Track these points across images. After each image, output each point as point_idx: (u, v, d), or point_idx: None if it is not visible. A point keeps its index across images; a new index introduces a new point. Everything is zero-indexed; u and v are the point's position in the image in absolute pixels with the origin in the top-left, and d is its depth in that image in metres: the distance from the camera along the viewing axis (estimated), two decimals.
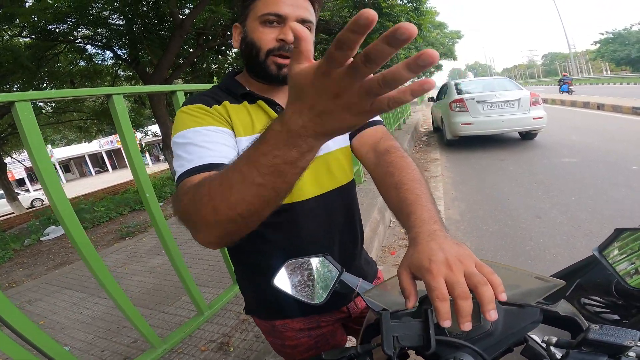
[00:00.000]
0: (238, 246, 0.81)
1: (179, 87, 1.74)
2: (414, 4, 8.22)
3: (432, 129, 10.31)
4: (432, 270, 0.43)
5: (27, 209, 13.45)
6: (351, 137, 0.83)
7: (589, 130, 7.27)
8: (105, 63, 9.53)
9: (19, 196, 13.18)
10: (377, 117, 0.82)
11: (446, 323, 0.41)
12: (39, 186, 29.78)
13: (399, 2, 8.19)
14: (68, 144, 31.60)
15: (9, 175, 13.97)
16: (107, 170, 34.98)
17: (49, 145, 26.63)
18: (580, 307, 1.61)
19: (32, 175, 31.56)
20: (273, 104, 0.75)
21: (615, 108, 10.06)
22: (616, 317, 1.63)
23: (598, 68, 51.43)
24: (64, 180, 31.46)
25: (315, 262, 0.66)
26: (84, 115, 11.62)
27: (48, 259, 4.59)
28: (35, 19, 6.31)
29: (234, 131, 0.70)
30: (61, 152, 30.65)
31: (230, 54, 9.52)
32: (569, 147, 5.80)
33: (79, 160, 34.46)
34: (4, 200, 13.10)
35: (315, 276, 0.65)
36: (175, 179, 0.61)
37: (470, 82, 7.83)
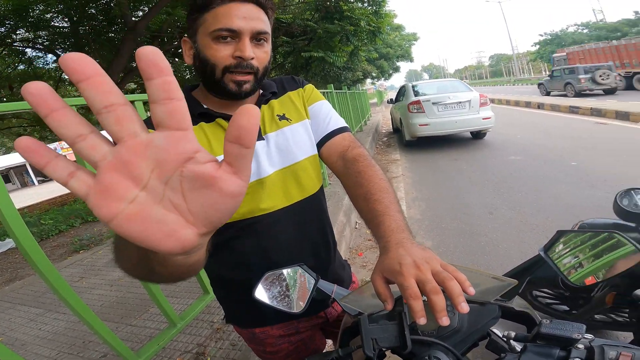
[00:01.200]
0: (210, 260, 0.83)
1: (137, 97, 1.66)
2: (374, 7, 8.45)
3: (392, 130, 10.67)
4: (403, 273, 0.48)
5: None
6: (319, 146, 0.84)
7: (531, 129, 7.92)
8: (47, 67, 8.82)
9: None
10: (344, 124, 0.86)
11: (422, 320, 0.44)
12: None
13: (359, 5, 8.37)
14: (7, 152, 28.77)
15: None
16: (51, 180, 32.27)
17: None
18: (533, 299, 1.75)
19: None
20: None
21: (553, 107, 11.04)
22: (565, 307, 1.78)
23: (538, 68, 55.64)
24: None
25: (291, 272, 0.69)
26: (23, 122, 10.67)
27: None
28: None
29: None
30: (0, 161, 27.83)
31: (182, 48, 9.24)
32: (514, 145, 6.30)
33: (20, 169, 31.49)
34: None
35: (292, 286, 0.68)
36: None
37: (425, 85, 8.21)
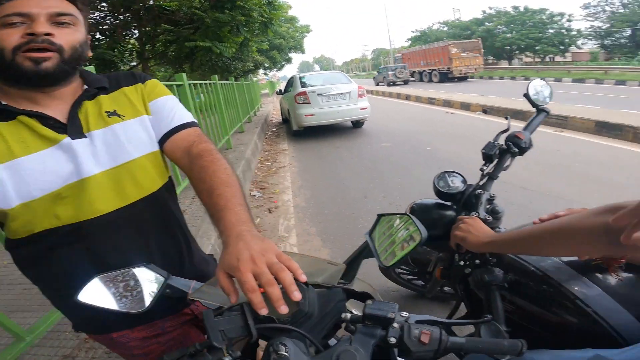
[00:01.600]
0: (29, 265, 0.75)
1: None
2: None
3: (281, 121, 10.82)
4: (240, 268, 0.50)
5: None
6: (162, 142, 0.81)
7: (400, 118, 9.08)
8: None
9: None
10: (190, 119, 0.84)
11: (263, 311, 0.47)
12: None
13: None
14: None
15: None
16: None
17: None
18: (396, 275, 1.99)
19: None
20: (42, 118, 0.66)
21: (417, 98, 12.81)
22: (420, 282, 2.04)
23: None
24: None
25: (135, 272, 0.66)
26: None
27: None
28: None
29: None
30: None
31: None
32: (386, 133, 7.12)
33: None
34: None
35: (134, 286, 0.65)
36: None
37: (312, 76, 8.55)
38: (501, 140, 1.14)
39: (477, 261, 0.91)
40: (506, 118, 1.23)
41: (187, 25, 7.51)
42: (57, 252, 0.71)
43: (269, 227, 3.37)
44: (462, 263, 0.96)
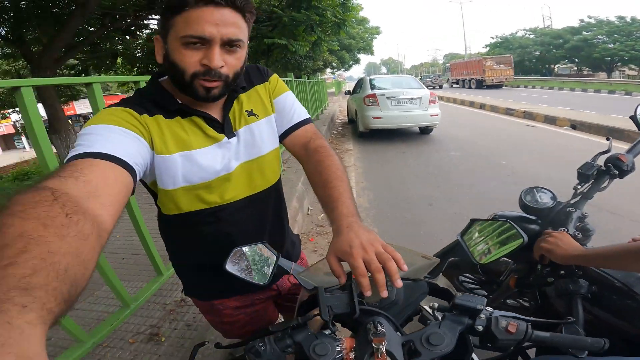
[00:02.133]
0: (172, 235, 0.90)
1: (96, 79, 1.65)
2: (342, 0, 8.46)
3: (347, 120, 10.94)
4: (353, 254, 0.57)
5: None
6: (283, 137, 0.90)
7: (472, 127, 8.63)
8: None
9: None
10: (306, 116, 0.92)
11: (368, 293, 0.55)
12: None
13: None
14: None
15: None
16: None
17: None
18: (459, 283, 2.01)
19: None
20: (209, 120, 0.76)
21: (493, 108, 12.01)
22: (484, 292, 2.03)
23: None
24: None
25: (255, 249, 0.78)
26: None
27: None
28: None
29: (153, 148, 0.70)
30: None
31: (141, 34, 8.60)
32: (455, 142, 6.85)
33: None
34: None
35: (257, 261, 0.77)
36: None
37: (382, 79, 8.53)
38: (600, 161, 1.12)
39: (562, 272, 0.95)
40: (607, 139, 1.20)
41: (265, 22, 7.95)
42: (197, 228, 0.83)
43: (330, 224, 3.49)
44: (544, 273, 1.01)
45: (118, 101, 0.72)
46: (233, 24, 0.66)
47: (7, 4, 6.03)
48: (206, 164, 0.76)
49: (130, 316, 1.85)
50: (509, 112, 10.79)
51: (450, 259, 1.50)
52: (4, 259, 0.32)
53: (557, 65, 39.06)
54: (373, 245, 0.59)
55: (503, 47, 41.61)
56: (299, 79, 7.43)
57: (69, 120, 7.92)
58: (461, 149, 6.28)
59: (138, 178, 0.63)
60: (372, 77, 8.52)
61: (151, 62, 8.20)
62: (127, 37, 8.41)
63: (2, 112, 11.00)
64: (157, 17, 7.79)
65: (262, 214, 0.90)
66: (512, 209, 1.92)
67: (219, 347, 0.68)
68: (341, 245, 0.61)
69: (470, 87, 28.87)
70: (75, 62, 8.41)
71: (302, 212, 3.51)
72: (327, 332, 0.58)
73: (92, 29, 7.15)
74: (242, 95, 0.83)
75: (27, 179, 7.26)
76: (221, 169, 0.78)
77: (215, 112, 0.78)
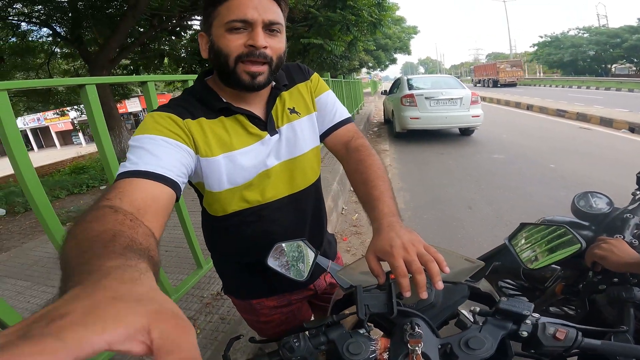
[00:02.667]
0: (216, 236, 0.91)
1: (150, 77, 1.73)
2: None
3: (383, 121, 10.77)
4: (394, 254, 0.56)
5: None
6: (324, 136, 0.90)
7: (518, 129, 8.15)
8: (41, 40, 8.59)
9: None
10: (347, 115, 0.92)
11: (407, 293, 0.53)
12: None
13: None
14: None
15: None
16: (32, 149, 31.37)
17: None
18: (498, 289, 1.93)
19: None
20: (252, 118, 0.77)
21: (542, 109, 11.30)
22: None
23: (533, 70, 55.85)
24: None
25: (295, 245, 0.78)
26: (11, 91, 10.36)
27: None
28: None
29: (198, 152, 0.71)
30: None
31: (185, 35, 9.05)
32: (499, 145, 6.51)
33: None
34: None
35: (296, 258, 0.77)
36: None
37: (420, 79, 8.32)
38: None
39: (615, 279, 0.92)
40: None
41: (302, 22, 8.03)
42: (239, 228, 0.84)
43: (366, 224, 3.44)
44: (595, 280, 0.97)
45: (167, 102, 0.75)
46: (271, 9, 0.68)
47: (65, 4, 6.57)
48: (248, 163, 0.76)
49: None
50: (560, 113, 10.08)
51: (495, 264, 1.46)
52: (102, 241, 0.38)
53: (614, 65, 36.09)
54: (415, 245, 0.57)
55: (553, 46, 39.11)
56: (335, 79, 7.44)
57: (122, 118, 8.47)
58: (505, 151, 5.95)
59: (182, 187, 0.66)
60: (409, 76, 8.32)
61: (194, 62, 8.58)
62: (173, 37, 8.86)
63: (61, 109, 11.98)
64: (199, 17, 8.18)
65: (302, 213, 0.89)
66: (561, 214, 1.80)
67: (254, 342, 0.68)
68: (381, 245, 0.59)
69: (488, 86, 33.62)
70: (127, 62, 8.99)
71: (336, 211, 3.50)
72: (361, 331, 0.57)
73: (142, 29, 7.62)
74: (285, 93, 0.83)
75: (82, 173, 7.89)
76: (261, 166, 0.78)
77: (258, 110, 0.79)
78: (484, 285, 0.69)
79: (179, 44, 9.19)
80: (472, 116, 6.82)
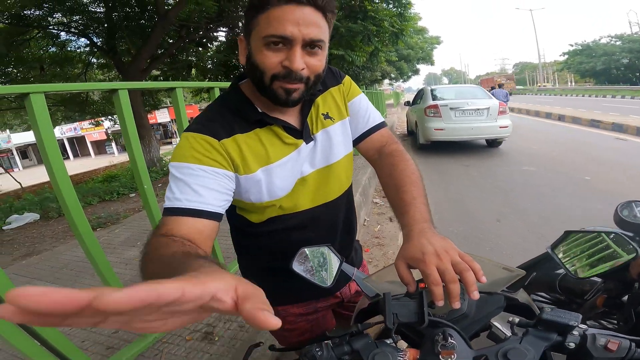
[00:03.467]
0: (246, 241, 0.90)
1: (178, 84, 1.78)
2: (399, 9, 8.39)
3: (406, 132, 10.64)
4: (426, 261, 0.53)
5: None
6: (357, 141, 0.88)
7: (549, 140, 7.82)
8: (79, 50, 9.15)
9: None
10: (381, 119, 0.89)
11: (440, 302, 0.51)
12: None
13: (384, 6, 8.34)
14: (27, 129, 29.79)
15: None
16: (68, 157, 33.22)
17: (7, 130, 24.94)
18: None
19: None
20: (289, 129, 0.75)
21: (574, 120, 10.83)
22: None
23: (564, 79, 54.00)
24: (20, 167, 29.58)
25: (320, 251, 0.76)
26: (50, 101, 11.03)
27: (13, 248, 4.40)
28: (11, 4, 5.96)
29: (238, 171, 0.70)
30: (20, 138, 28.69)
31: (211, 46, 9.38)
32: (529, 156, 6.25)
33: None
34: None
35: (321, 264, 0.75)
36: (163, 209, 0.65)
37: (444, 89, 8.18)
38: None
39: None
40: None
41: None
42: (271, 235, 0.82)
43: (389, 235, 3.37)
44: None
45: (201, 115, 0.74)
46: (314, 24, 0.63)
47: (101, 15, 6.96)
48: (286, 174, 0.75)
49: None
50: (594, 123, 9.61)
51: (534, 274, 1.40)
52: (178, 257, 0.48)
53: None
54: (449, 253, 0.54)
55: (584, 54, 37.76)
56: None
57: (152, 128, 8.83)
58: (536, 163, 5.70)
59: (224, 210, 0.69)
60: (433, 87, 8.20)
61: (220, 73, 8.85)
62: (200, 48, 9.20)
63: (96, 119, 12.60)
64: (225, 29, 8.47)
65: (335, 220, 0.87)
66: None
67: (274, 350, 0.66)
68: (412, 251, 0.56)
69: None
70: (157, 73, 9.39)
71: (358, 222, 3.43)
72: (388, 341, 0.54)
73: (170, 40, 7.97)
74: (318, 99, 0.81)
75: (113, 181, 8.25)
76: (297, 173, 0.77)
77: (293, 118, 0.77)
78: (521, 295, 0.65)
79: (206, 55, 9.52)
80: (500, 127, 6.60)
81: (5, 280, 1.06)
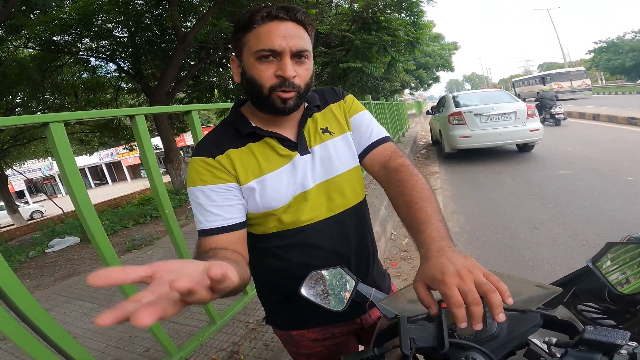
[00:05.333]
0: (257, 264, 0.87)
1: (194, 107, 1.84)
2: (412, 18, 8.36)
3: (430, 142, 10.44)
4: (446, 282, 0.49)
5: (27, 220, 13.47)
6: (361, 156, 0.85)
7: (585, 141, 7.40)
8: (108, 75, 9.70)
9: (19, 208, 13.22)
10: (385, 134, 0.87)
11: (463, 324, 0.47)
12: (38, 198, 29.69)
13: (397, 16, 8.34)
14: None
15: (9, 187, 14.11)
16: (107, 183, 35.01)
17: (50, 158, 26.69)
18: (577, 313, 1.69)
19: (32, 187, 31.47)
20: (282, 140, 0.77)
21: (610, 118, 10.24)
22: (612, 322, 1.71)
23: (593, 77, 51.59)
24: (63, 193, 31.39)
25: (333, 273, 0.73)
26: (86, 127, 11.75)
27: (54, 270, 4.63)
28: (41, 30, 6.42)
29: (238, 181, 0.75)
30: None
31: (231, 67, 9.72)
32: (564, 159, 5.92)
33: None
34: (4, 212, 13.16)
35: (334, 286, 0.72)
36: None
37: (467, 95, 7.99)
38: None
39: None
40: None
41: (338, 47, 8.19)
42: (277, 253, 0.82)
43: (416, 249, 3.25)
44: None
45: (202, 138, 0.83)
46: (298, 36, 0.70)
47: (126, 39, 7.34)
48: (281, 186, 0.76)
49: (215, 333, 1.91)
50: (632, 121, 9.03)
51: (575, 288, 1.29)
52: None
53: None
54: (472, 272, 0.49)
55: (611, 52, 36.07)
56: (377, 101, 7.38)
57: (180, 151, 9.19)
58: (573, 166, 5.39)
59: (245, 218, 0.76)
60: (455, 93, 8.02)
61: (241, 93, 9.11)
62: (220, 69, 9.51)
63: (130, 144, 13.21)
64: None
65: (345, 238, 0.84)
66: None
67: None
68: (431, 272, 0.52)
69: None
70: (182, 95, 9.78)
71: (385, 236, 3.35)
72: None
73: (192, 62, 8.28)
74: (317, 114, 0.83)
75: (146, 204, 8.57)
76: (296, 188, 0.77)
77: (289, 132, 0.79)
78: (561, 312, 0.60)
79: (226, 76, 9.83)
80: (530, 130, 6.31)
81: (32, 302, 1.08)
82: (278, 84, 0.70)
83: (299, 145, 0.79)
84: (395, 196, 0.75)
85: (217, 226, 0.72)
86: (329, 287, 0.72)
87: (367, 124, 0.86)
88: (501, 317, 0.46)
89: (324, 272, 0.72)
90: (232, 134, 0.78)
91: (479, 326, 0.47)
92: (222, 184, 0.73)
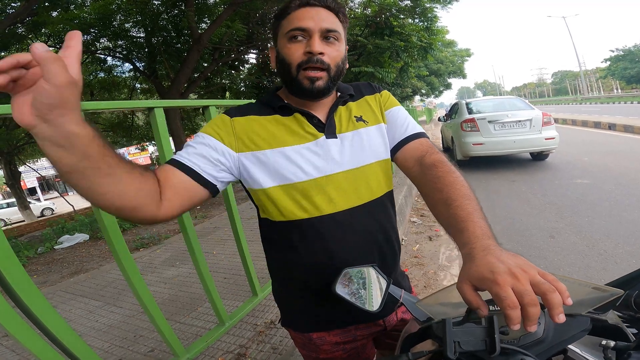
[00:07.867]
0: (275, 260, 0.84)
1: (212, 102, 1.83)
2: (426, 23, 8.30)
3: (442, 149, 10.32)
4: (499, 282, 0.44)
5: (38, 217, 13.69)
6: (394, 150, 0.83)
7: (601, 150, 7.23)
8: (124, 75, 9.87)
9: (30, 205, 13.45)
10: (421, 129, 0.84)
11: (516, 327, 0.43)
12: (49, 195, 30.23)
13: (410, 21, 8.30)
14: None
15: (21, 183, 14.37)
16: None
17: None
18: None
19: (44, 184, 32.04)
20: (310, 116, 0.78)
21: (626, 128, 10.01)
22: (634, 330, 1.65)
23: (609, 86, 50.69)
24: (74, 191, 31.92)
25: (366, 271, 0.69)
26: (100, 127, 11.95)
27: (62, 267, 4.65)
28: (61, 29, 6.56)
29: (242, 150, 0.75)
30: None
31: (243, 69, 9.78)
32: (580, 168, 5.78)
33: None
34: (16, 208, 13.41)
35: (367, 286, 0.68)
36: None
37: (481, 102, 7.85)
38: None
39: None
40: None
41: (351, 51, 8.19)
42: (300, 244, 0.77)
43: (429, 255, 3.18)
44: None
45: (238, 106, 0.84)
46: (328, 18, 0.73)
47: (142, 39, 7.44)
48: (301, 161, 0.75)
49: (223, 334, 1.87)
50: None
51: (628, 292, 1.23)
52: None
53: None
54: (527, 272, 0.45)
55: (627, 60, 35.53)
56: None
57: None
58: (590, 175, 5.25)
59: (218, 186, 0.74)
60: (468, 100, 7.90)
61: (252, 95, 9.16)
62: (233, 71, 9.60)
63: (141, 144, 13.40)
64: (255, 51, 8.81)
65: (370, 232, 0.80)
66: None
67: None
68: (479, 271, 0.48)
69: None
70: (195, 96, 9.90)
71: None
72: None
73: (205, 64, 8.37)
74: (351, 103, 0.84)
75: None
76: (318, 170, 0.74)
77: (320, 113, 0.80)
78: (611, 317, 0.55)
79: (238, 78, 9.92)
80: (546, 139, 6.17)
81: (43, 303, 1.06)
82: (305, 60, 0.72)
83: (327, 128, 0.78)
84: (431, 193, 0.70)
85: (189, 166, 0.71)
86: (362, 286, 0.68)
87: (403, 119, 0.85)
88: (561, 317, 0.42)
89: (356, 270, 0.69)
90: (262, 106, 0.81)
91: (533, 328, 0.43)
92: (216, 141, 0.74)
